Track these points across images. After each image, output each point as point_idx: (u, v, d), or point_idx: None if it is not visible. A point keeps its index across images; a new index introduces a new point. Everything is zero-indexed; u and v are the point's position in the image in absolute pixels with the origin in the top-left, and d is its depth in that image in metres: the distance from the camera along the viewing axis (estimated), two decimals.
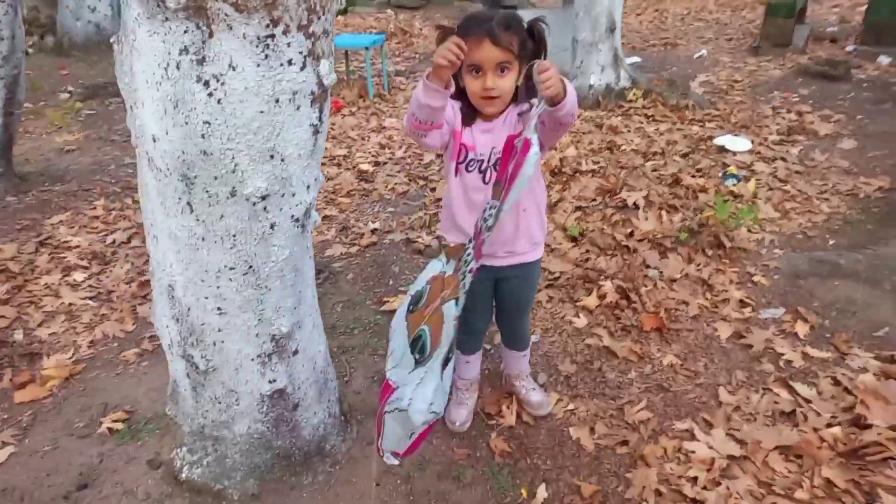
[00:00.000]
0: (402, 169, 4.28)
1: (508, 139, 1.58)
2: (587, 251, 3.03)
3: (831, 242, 3.16)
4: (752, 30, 7.78)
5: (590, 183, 3.57)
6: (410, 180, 4.09)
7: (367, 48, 5.75)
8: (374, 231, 3.49)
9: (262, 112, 1.35)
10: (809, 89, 5.39)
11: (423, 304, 1.76)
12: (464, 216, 1.82)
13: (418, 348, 1.69)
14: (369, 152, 4.58)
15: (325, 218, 3.68)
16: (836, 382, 2.23)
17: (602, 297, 2.73)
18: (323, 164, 4.39)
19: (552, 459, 2.05)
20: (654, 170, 3.83)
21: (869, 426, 2.00)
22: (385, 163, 4.39)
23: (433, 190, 3.91)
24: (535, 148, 1.50)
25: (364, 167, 4.28)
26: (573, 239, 3.14)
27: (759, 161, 4.01)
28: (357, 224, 3.59)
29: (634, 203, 3.30)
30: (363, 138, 4.89)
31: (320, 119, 1.51)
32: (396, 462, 1.84)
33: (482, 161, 1.75)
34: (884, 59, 6.08)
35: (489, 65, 1.58)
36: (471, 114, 1.73)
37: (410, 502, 1.92)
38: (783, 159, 4.04)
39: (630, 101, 5.14)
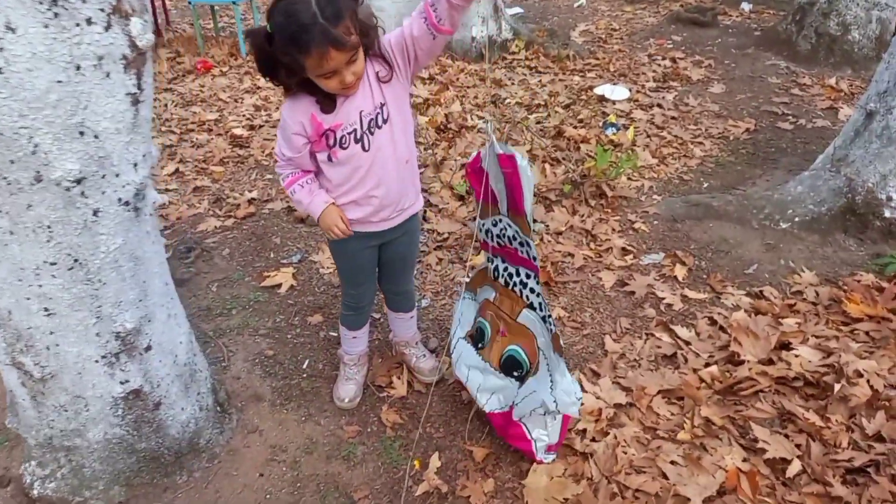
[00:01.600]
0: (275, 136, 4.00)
1: (473, 164, 1.78)
2: (474, 209, 2.96)
3: (705, 185, 3.28)
4: None
5: (475, 139, 3.50)
6: None
7: (235, 3, 5.30)
8: (251, 201, 3.25)
9: (59, 82, 1.13)
10: (682, 36, 5.57)
11: (490, 334, 1.93)
12: (381, 180, 1.66)
13: (515, 369, 1.85)
14: (243, 115, 4.26)
15: (195, 190, 3.39)
16: (713, 322, 2.32)
17: None
18: (192, 130, 4.05)
19: (445, 426, 2.00)
20: (538, 122, 3.81)
21: (741, 362, 2.09)
22: (261, 126, 4.10)
23: None
24: (521, 162, 1.65)
25: (238, 132, 3.97)
26: (460, 198, 3.06)
27: (637, 108, 4.09)
28: (232, 194, 3.33)
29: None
30: (236, 100, 4.54)
31: (139, 86, 1.29)
32: (554, 456, 1.83)
33: (355, 130, 1.59)
34: (745, 6, 6.38)
35: (340, 66, 1.41)
36: (328, 100, 1.54)
37: (297, 489, 1.82)
38: (659, 106, 4.15)
39: (513, 52, 5.09)
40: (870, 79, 4.21)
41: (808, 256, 2.65)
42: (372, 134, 1.59)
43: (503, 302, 1.91)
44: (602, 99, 4.23)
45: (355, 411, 2.07)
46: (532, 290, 1.82)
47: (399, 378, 2.16)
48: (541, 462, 1.80)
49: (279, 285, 2.64)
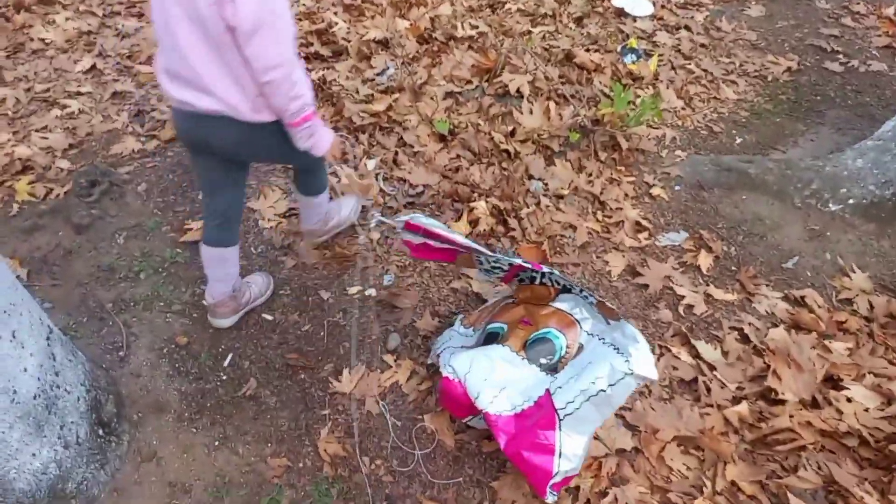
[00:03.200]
0: None
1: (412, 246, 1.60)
2: (458, 156, 2.39)
3: (738, 141, 2.72)
4: None
5: (465, 58, 2.83)
6: None
7: None
8: None
9: None
10: None
11: (507, 329, 1.54)
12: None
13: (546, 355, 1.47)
14: None
15: (114, 96, 2.71)
16: (744, 338, 1.86)
17: (474, 222, 2.15)
18: (117, 14, 3.27)
19: (401, 463, 1.56)
20: (543, 38, 3.12)
21: (779, 401, 1.66)
22: None
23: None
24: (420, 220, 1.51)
25: None
26: (441, 138, 2.46)
27: (661, 30, 3.41)
28: (159, 106, 2.67)
29: (518, 90, 2.63)
30: None
31: None
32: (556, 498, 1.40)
33: None
34: None
35: None
36: None
37: None
38: (687, 28, 3.46)
39: None
40: None
41: (861, 251, 2.16)
42: None
43: (531, 296, 1.58)
44: (621, 13, 3.52)
45: (286, 436, 1.61)
46: (556, 281, 1.54)
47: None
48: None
49: None
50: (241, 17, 1.20)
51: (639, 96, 2.80)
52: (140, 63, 2.92)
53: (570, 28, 3.27)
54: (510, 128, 2.50)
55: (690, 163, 2.52)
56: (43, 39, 2.98)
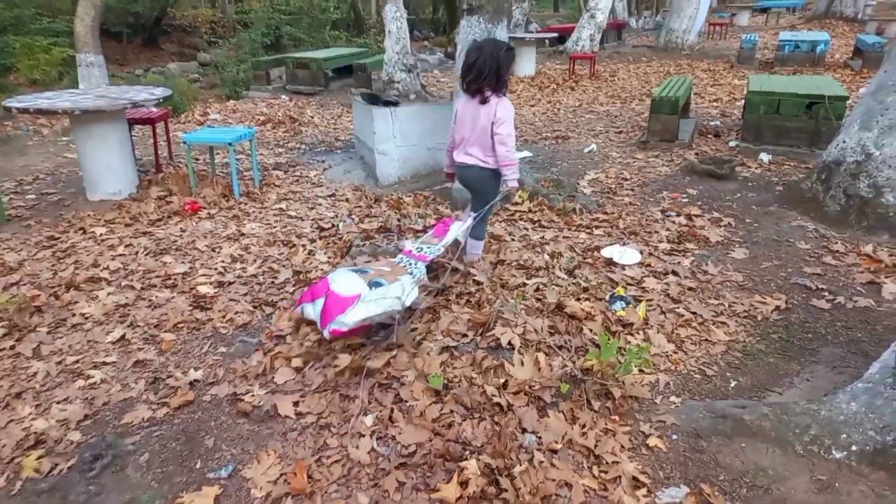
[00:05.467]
0: (249, 291, 3.60)
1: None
2: (451, 411, 2.45)
3: (733, 384, 2.74)
4: (641, 122, 7.85)
5: (461, 314, 3.04)
6: (256, 307, 3.42)
7: (230, 144, 5.15)
8: (193, 384, 2.77)
9: None
10: (697, 189, 5.25)
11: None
12: None
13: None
14: (215, 268, 3.89)
15: (136, 364, 2.93)
16: None
17: (464, 483, 2.13)
18: (153, 286, 3.67)
19: None
20: (537, 289, 3.36)
21: None
22: (232, 283, 3.71)
23: (280, 315, 3.25)
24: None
25: (204, 289, 3.58)
26: (436, 392, 2.55)
27: (649, 276, 3.65)
28: (175, 372, 2.86)
29: (510, 342, 2.78)
30: (213, 249, 4.21)
31: None
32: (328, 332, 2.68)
33: None
34: (764, 157, 6.14)
35: None
36: None
37: None
38: (675, 273, 3.71)
39: (516, 203, 4.78)
40: None
41: None
42: None
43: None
44: (610, 262, 3.81)
45: None
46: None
47: None
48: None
49: None
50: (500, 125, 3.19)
51: (628, 342, 2.91)
52: (165, 331, 3.20)
53: (562, 280, 3.53)
54: (502, 380, 2.59)
55: (685, 409, 2.53)
56: (84, 314, 3.33)
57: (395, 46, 10.67)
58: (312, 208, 5.05)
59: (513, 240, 4.18)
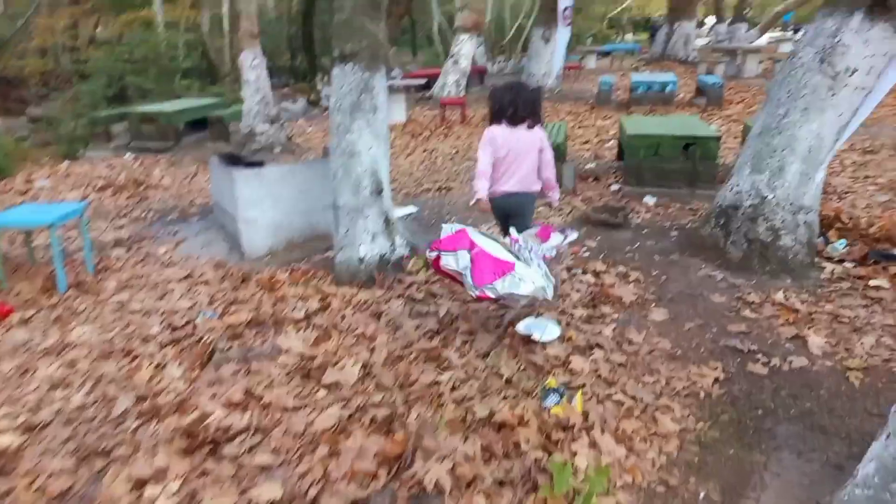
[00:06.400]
0: (72, 435, 2.66)
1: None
2: None
3: (702, 495, 2.30)
4: None
5: (367, 442, 2.37)
6: (82, 460, 2.51)
7: (51, 226, 4.13)
8: None
9: None
10: (595, 240, 4.98)
11: None
12: None
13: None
14: (25, 403, 2.91)
15: None
16: None
17: None
18: None
19: None
20: (453, 388, 2.77)
21: None
22: (48, 423, 2.76)
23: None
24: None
25: (3, 440, 2.61)
26: None
27: (574, 353, 3.20)
28: None
29: (437, 485, 2.15)
30: (25, 372, 3.20)
31: None
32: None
33: None
34: (649, 199, 6.08)
35: None
36: None
37: None
38: (599, 346, 3.29)
39: (410, 273, 4.21)
40: (811, 288, 3.68)
41: None
42: None
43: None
44: (529, 341, 3.32)
45: None
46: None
47: None
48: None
49: None
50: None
51: (574, 454, 2.39)
52: None
53: (479, 368, 2.98)
54: None
55: None
56: None
57: (254, 96, 9.90)
58: (162, 297, 4.14)
59: (410, 318, 3.59)
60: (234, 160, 5.29)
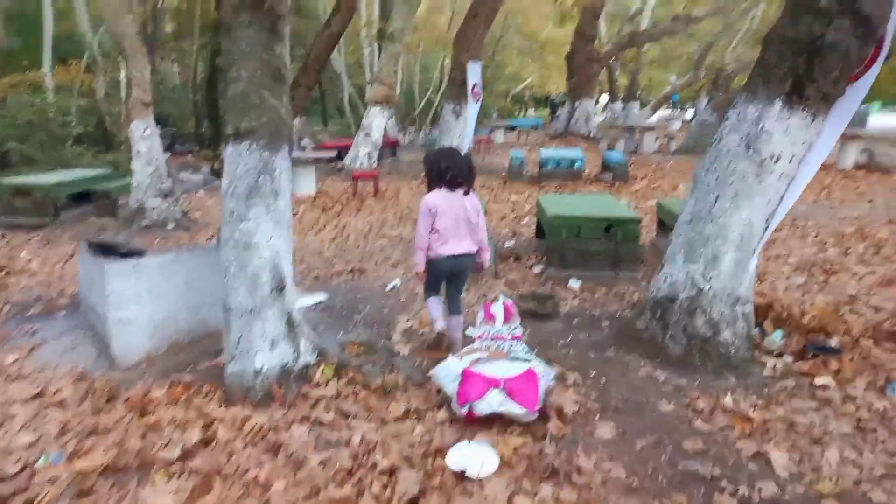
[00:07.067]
0: None
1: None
2: None
3: None
4: None
5: None
6: None
7: None
8: None
9: None
10: (525, 333, 4.54)
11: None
12: None
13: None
14: None
15: None
16: None
17: None
18: None
19: None
20: None
21: None
22: None
23: None
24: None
25: None
26: None
27: (518, 493, 2.66)
28: None
29: None
30: None
31: None
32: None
33: None
34: (574, 283, 5.80)
35: None
36: None
37: None
38: (547, 478, 2.78)
39: (318, 385, 3.57)
40: (756, 388, 3.46)
41: None
42: None
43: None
44: (463, 477, 2.76)
45: None
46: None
47: None
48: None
49: None
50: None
51: None
52: None
53: None
54: None
55: None
56: None
57: (146, 168, 9.01)
58: None
59: (316, 451, 2.94)
60: (106, 250, 4.50)
